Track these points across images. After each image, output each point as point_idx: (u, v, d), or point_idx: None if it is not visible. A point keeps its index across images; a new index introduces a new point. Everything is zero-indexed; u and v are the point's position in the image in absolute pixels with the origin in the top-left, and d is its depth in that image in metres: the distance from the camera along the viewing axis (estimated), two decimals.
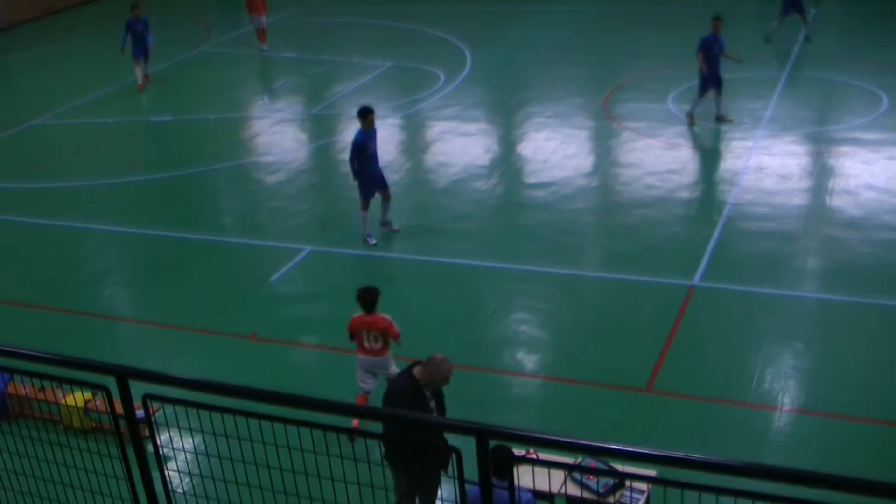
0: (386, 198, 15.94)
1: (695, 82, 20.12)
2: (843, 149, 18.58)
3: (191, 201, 18.66)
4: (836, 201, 16.48)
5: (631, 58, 25.74)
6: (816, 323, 12.97)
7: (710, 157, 18.93)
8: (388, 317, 10.70)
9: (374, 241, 15.77)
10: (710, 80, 19.62)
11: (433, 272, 15.03)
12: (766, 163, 18.10)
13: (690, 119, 19.92)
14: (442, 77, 24.64)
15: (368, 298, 10.69)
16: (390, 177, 16.81)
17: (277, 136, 21.81)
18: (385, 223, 16.17)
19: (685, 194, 17.18)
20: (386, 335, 10.73)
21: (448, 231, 16.17)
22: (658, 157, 18.73)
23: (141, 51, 25.50)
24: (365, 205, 15.74)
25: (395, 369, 10.72)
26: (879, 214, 15.74)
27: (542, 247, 15.46)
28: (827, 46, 25.64)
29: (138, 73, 25.63)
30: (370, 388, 10.93)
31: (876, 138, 18.89)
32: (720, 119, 19.91)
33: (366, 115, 15.48)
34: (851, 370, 11.71)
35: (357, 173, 15.57)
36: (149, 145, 22.83)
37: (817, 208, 16.35)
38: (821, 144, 18.95)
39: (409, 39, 29.34)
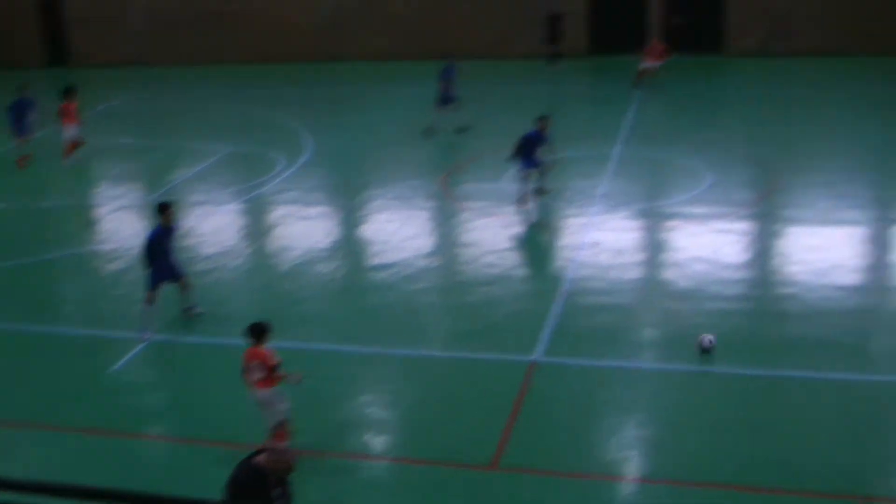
0: (185, 287, 15.70)
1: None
2: (673, 223, 19.37)
3: (26, 292, 18.07)
4: (667, 274, 17.13)
5: (468, 138, 26.31)
6: (656, 392, 13.39)
7: (547, 234, 19.44)
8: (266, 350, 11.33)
9: (147, 337, 15.30)
10: (529, 166, 20.09)
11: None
12: (601, 238, 18.68)
13: (524, 201, 20.21)
14: (281, 161, 24.67)
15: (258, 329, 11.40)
16: (230, 263, 16.68)
17: (116, 224, 21.43)
18: (188, 309, 15.90)
19: (524, 271, 17.59)
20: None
21: (291, 315, 16.09)
22: (497, 235, 19.13)
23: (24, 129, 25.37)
24: (151, 297, 15.33)
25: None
26: (708, 285, 16.41)
27: (385, 328, 15.54)
28: (653, 126, 26.77)
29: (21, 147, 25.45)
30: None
31: (702, 212, 19.75)
32: (540, 191, 20.34)
33: (165, 209, 15.33)
34: (690, 437, 12.09)
35: (150, 265, 15.24)
36: None
37: (651, 281, 16.97)
38: (651, 219, 19.70)
39: (247, 124, 29.34)
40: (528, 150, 19.89)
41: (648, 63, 31.04)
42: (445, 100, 26.48)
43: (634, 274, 17.15)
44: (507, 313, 15.85)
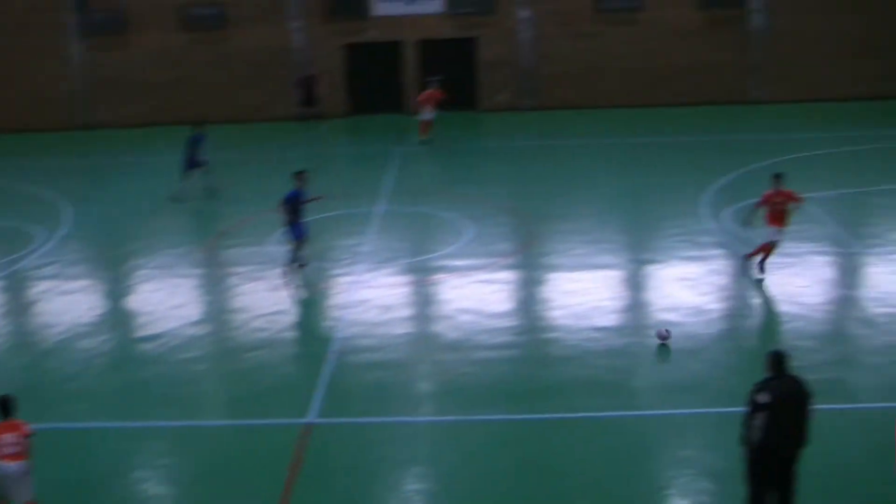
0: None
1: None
2: (437, 276, 19.87)
3: None
4: (435, 326, 17.56)
5: (232, 203, 26.20)
6: (432, 445, 13.65)
7: (315, 294, 19.54)
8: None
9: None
10: (299, 232, 20.08)
11: (43, 439, 14.34)
12: (368, 295, 18.94)
13: (289, 271, 19.98)
14: (40, 234, 23.83)
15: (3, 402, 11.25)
16: None
17: None
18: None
19: (294, 333, 17.62)
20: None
21: (57, 394, 15.54)
22: (265, 299, 19.09)
23: None
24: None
25: None
26: (475, 335, 16.91)
27: (156, 400, 15.19)
28: (414, 182, 27.42)
29: None
30: None
31: (465, 264, 20.37)
32: (296, 263, 20.21)
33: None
34: (468, 486, 12.38)
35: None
36: None
37: (419, 335, 17.34)
38: (417, 274, 20.14)
39: (1, 196, 28.18)
40: (295, 211, 19.92)
41: (427, 113, 31.76)
42: (192, 165, 26.33)
43: (403, 329, 17.48)
44: (279, 376, 15.84)
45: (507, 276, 19.96)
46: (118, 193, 28.03)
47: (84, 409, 15.02)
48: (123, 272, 21.39)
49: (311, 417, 14.24)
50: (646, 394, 14.85)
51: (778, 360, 10.73)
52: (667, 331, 16.27)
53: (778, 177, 18.68)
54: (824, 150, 29.31)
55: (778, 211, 18.57)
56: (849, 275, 19.13)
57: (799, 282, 18.75)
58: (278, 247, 21.65)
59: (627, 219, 23.82)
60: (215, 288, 20.15)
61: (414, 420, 14.29)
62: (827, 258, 20.19)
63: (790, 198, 18.54)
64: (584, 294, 18.59)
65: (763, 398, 10.44)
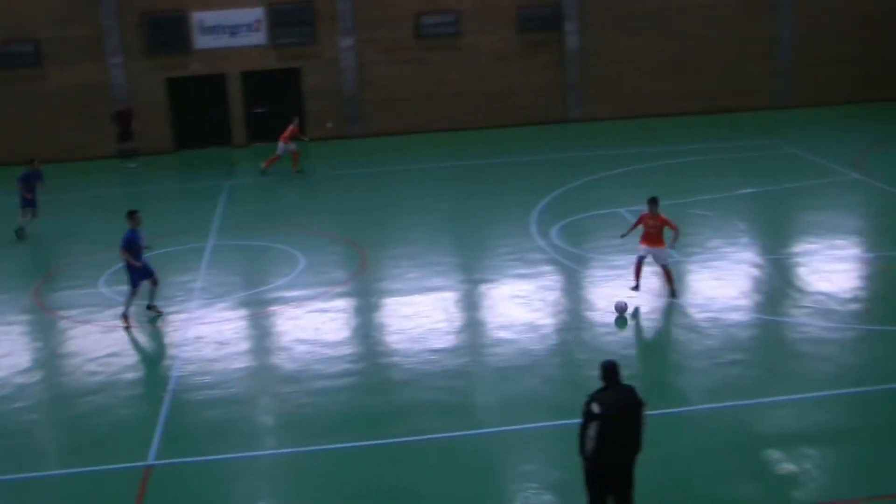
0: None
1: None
2: (272, 308, 19.79)
3: None
4: (272, 359, 17.49)
5: (60, 244, 25.52)
6: (276, 478, 13.58)
7: (149, 334, 19.14)
8: None
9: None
10: (142, 274, 19.57)
11: None
12: (204, 332, 18.73)
13: (126, 321, 19.27)
14: None
15: None
16: None
17: None
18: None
19: (129, 375, 17.24)
20: None
21: None
22: (98, 341, 18.64)
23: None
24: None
25: None
26: (312, 365, 16.93)
27: None
28: (244, 215, 27.22)
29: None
30: None
31: (299, 295, 20.35)
32: (151, 308, 19.83)
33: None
34: None
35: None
36: None
37: (257, 368, 17.23)
38: (251, 307, 20.00)
39: None
40: (138, 252, 19.37)
41: (286, 145, 31.59)
42: (25, 203, 25.72)
43: (240, 363, 17.35)
44: (116, 420, 15.49)
45: (342, 304, 20.03)
46: None
47: None
48: None
49: (151, 460, 14.00)
50: (485, 412, 15.16)
51: (609, 371, 11.13)
52: (625, 303, 18.14)
53: (653, 201, 19.06)
54: (644, 165, 30.43)
55: (650, 233, 19.02)
56: (672, 283, 19.87)
57: (626, 292, 19.41)
58: (108, 288, 21.23)
59: (459, 240, 24.20)
60: (46, 333, 19.55)
61: (256, 454, 14.20)
62: (649, 269, 20.95)
63: (664, 223, 18.95)
64: (419, 317, 18.84)
65: (596, 408, 10.80)
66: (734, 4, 38.22)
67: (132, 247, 19.21)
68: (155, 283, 19.35)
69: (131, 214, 19.56)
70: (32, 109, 36.12)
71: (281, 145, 31.62)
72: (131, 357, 18.09)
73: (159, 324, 19.33)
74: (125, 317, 19.32)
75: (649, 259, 19.18)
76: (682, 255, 20.99)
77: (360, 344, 18.06)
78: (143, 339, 18.96)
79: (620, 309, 18.32)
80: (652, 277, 19.89)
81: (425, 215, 26.38)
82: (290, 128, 31.82)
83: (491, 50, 37.59)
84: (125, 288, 19.56)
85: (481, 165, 32.14)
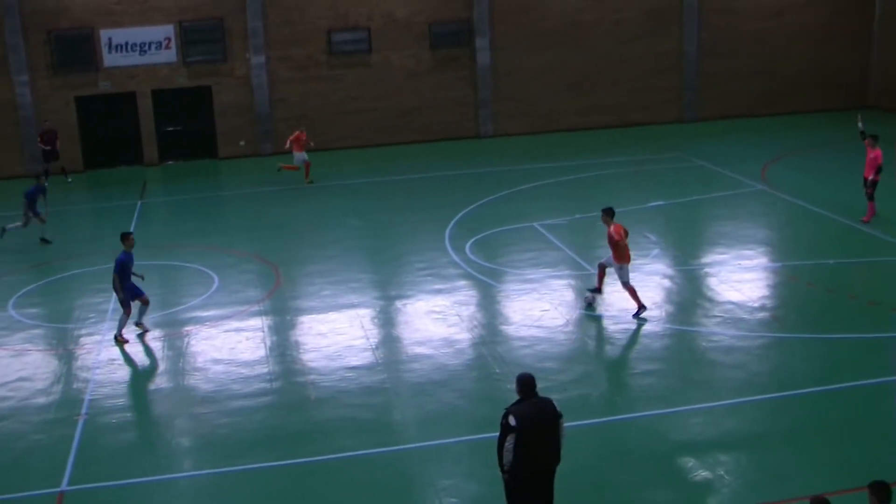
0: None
1: (36, 285, 20.01)
2: (187, 328, 19.58)
3: None
4: (188, 380, 17.30)
5: None
6: (193, 500, 13.49)
7: (61, 357, 18.78)
8: None
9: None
10: (131, 295, 19.21)
11: None
12: (117, 354, 18.48)
13: (122, 338, 19.00)
14: None
15: None
16: None
17: None
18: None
19: (41, 399, 16.89)
20: None
21: None
22: (7, 365, 18.25)
23: None
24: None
25: None
26: (229, 385, 16.80)
27: None
28: (156, 234, 26.88)
29: None
30: None
31: (213, 314, 20.19)
32: (138, 325, 19.56)
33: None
34: None
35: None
36: None
37: (173, 390, 17.04)
38: (166, 328, 19.75)
39: None
40: (128, 274, 19.01)
41: (301, 154, 31.42)
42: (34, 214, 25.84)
43: (156, 385, 17.17)
44: (27, 446, 15.16)
45: (257, 322, 19.88)
46: None
47: None
48: None
49: (64, 485, 13.77)
50: (404, 428, 15.18)
51: (525, 384, 11.25)
52: (592, 295, 19.27)
53: (605, 212, 19.26)
54: (555, 179, 30.79)
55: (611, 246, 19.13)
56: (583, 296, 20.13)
57: (541, 305, 19.62)
58: (16, 311, 20.83)
59: (373, 257, 24.24)
60: None
61: (173, 477, 14.06)
62: (563, 282, 21.21)
63: (610, 237, 19.00)
64: (334, 335, 18.83)
65: (513, 421, 10.91)
66: (642, 21, 39.00)
67: (124, 269, 18.89)
68: (145, 302, 19.15)
69: (125, 236, 19.34)
70: None
71: (296, 155, 31.45)
72: (42, 381, 17.72)
73: (68, 345, 19.04)
74: (118, 337, 19.10)
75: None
76: (595, 268, 21.29)
77: (276, 362, 17.95)
78: (54, 362, 18.61)
79: (589, 301, 19.57)
80: (559, 291, 20.21)
81: (340, 232, 26.34)
82: (297, 133, 31.69)
83: (402, 66, 37.74)
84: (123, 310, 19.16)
85: (395, 181, 32.21)
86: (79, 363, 18.41)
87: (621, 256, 19.02)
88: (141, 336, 19.28)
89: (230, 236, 26.67)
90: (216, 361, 17.82)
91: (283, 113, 37.04)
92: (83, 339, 19.37)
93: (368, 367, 17.35)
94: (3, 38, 34.85)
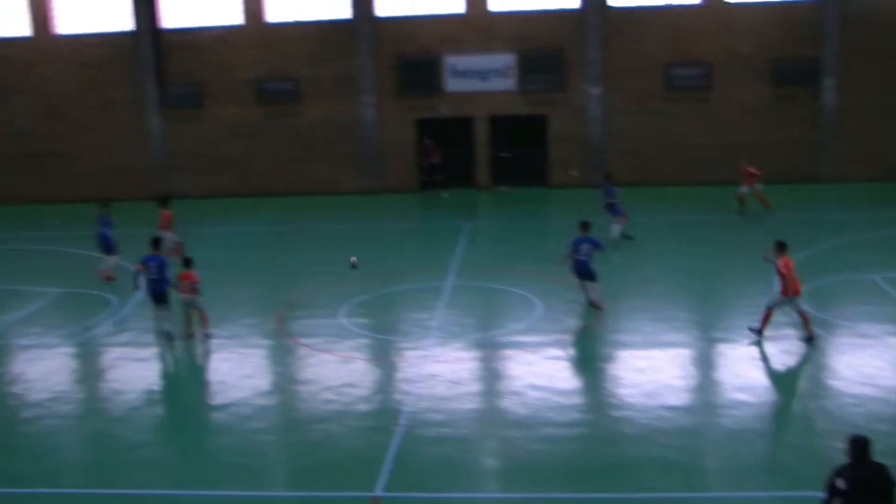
0: None
1: (367, 297, 20.84)
2: (507, 352, 19.81)
3: None
4: (504, 402, 17.46)
5: (302, 274, 26.48)
6: None
7: (384, 368, 19.52)
8: None
9: None
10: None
11: None
12: (438, 370, 18.92)
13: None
14: (114, 301, 24.26)
15: None
16: (60, 409, 16.12)
17: None
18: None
19: (362, 406, 17.59)
20: None
21: (127, 461, 15.66)
22: (334, 371, 19.16)
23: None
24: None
25: None
26: (544, 412, 16.78)
27: (224, 470, 15.27)
28: (483, 258, 27.46)
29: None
30: None
31: (534, 340, 20.29)
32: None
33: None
34: None
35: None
36: None
37: (488, 410, 17.25)
38: (486, 349, 20.09)
39: (78, 264, 28.70)
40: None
41: (746, 187, 31.75)
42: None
43: (472, 404, 17.42)
44: (346, 449, 15.80)
45: (577, 352, 19.83)
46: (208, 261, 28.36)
47: (152, 478, 15.06)
48: (194, 341, 21.52)
49: (379, 491, 14.19)
50: (717, 475, 14.57)
51: (858, 446, 10.51)
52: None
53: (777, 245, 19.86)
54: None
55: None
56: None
57: (876, 363, 18.39)
58: (347, 319, 21.80)
59: (695, 298, 23.58)
60: (285, 359, 20.26)
61: (482, 496, 14.20)
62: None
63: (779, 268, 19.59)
64: (654, 372, 18.42)
65: (841, 484, 10.23)
66: None
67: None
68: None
69: (584, 224, 22.37)
70: (287, 143, 38.01)
71: (744, 189, 31.63)
72: (365, 389, 18.43)
73: (391, 357, 19.70)
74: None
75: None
76: None
77: (592, 394, 17.82)
78: (377, 372, 19.34)
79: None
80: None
81: (664, 270, 25.83)
82: (745, 168, 31.72)
83: (741, 103, 36.70)
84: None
85: (717, 221, 31.26)
86: (401, 375, 19.01)
87: (787, 288, 19.41)
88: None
89: (553, 264, 26.68)
90: (533, 387, 17.85)
91: (616, 145, 36.96)
92: (407, 353, 20.00)
93: (685, 409, 16.84)
94: (354, 61, 36.92)
